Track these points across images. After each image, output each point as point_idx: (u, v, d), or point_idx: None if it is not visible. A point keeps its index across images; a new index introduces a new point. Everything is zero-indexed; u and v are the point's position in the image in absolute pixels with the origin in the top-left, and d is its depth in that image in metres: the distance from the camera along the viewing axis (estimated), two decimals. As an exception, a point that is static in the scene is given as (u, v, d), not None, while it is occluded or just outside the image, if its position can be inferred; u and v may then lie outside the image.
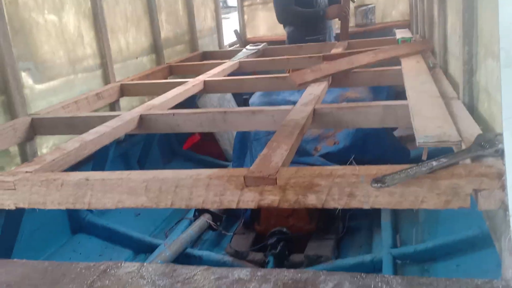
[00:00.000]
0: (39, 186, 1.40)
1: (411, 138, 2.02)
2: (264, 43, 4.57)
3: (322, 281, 1.11)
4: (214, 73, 3.26)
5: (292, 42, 4.55)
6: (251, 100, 3.56)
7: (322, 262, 2.65)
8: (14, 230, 2.39)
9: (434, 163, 1.17)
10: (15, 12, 2.48)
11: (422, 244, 2.45)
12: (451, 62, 2.41)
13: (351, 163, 1.30)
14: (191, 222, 3.11)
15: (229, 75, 3.46)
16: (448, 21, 2.46)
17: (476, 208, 1.17)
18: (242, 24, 5.96)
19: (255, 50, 4.27)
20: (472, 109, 1.78)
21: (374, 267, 2.45)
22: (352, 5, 4.70)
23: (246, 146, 3.40)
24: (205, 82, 3.03)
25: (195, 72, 3.61)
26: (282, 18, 4.53)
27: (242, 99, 3.49)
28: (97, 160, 3.00)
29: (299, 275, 1.15)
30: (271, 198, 1.28)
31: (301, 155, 3.09)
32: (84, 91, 2.96)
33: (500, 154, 1.20)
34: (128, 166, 3.50)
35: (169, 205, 1.34)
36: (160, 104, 2.45)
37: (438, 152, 1.32)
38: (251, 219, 3.05)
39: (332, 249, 2.76)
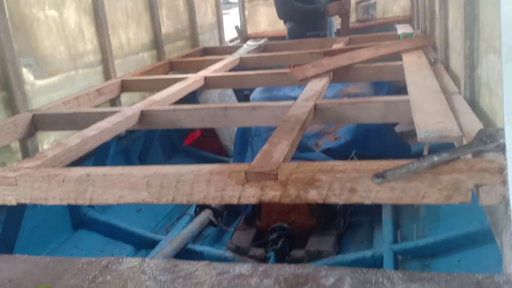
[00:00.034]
0: (40, 181, 1.40)
1: (412, 133, 2.02)
2: (265, 39, 4.56)
3: (323, 276, 1.11)
4: (215, 69, 3.26)
5: (292, 38, 4.54)
6: (252, 96, 3.56)
7: (323, 258, 2.65)
8: (15, 226, 2.40)
9: (436, 158, 1.17)
10: (16, 7, 2.47)
11: (423, 239, 2.45)
12: (452, 57, 2.41)
13: (352, 159, 1.30)
14: (192, 218, 3.11)
15: (230, 70, 3.45)
16: (450, 16, 2.45)
17: (477, 203, 1.17)
18: (243, 20, 5.94)
19: (256, 46, 4.26)
20: (473, 104, 1.78)
21: (375, 263, 2.45)
22: (353, 1, 4.69)
23: (247, 141, 3.39)
24: (206, 78, 3.03)
25: (195, 68, 3.60)
26: (283, 14, 4.52)
27: (243, 95, 3.48)
28: (98, 156, 3.01)
29: (300, 270, 1.15)
30: (272, 193, 1.28)
31: (302, 151, 3.09)
32: (85, 87, 2.96)
33: (502, 149, 1.20)
34: (129, 162, 3.50)
35: (170, 201, 1.35)
36: (161, 99, 2.45)
37: (439, 147, 1.32)
38: (252, 215, 3.05)
39: (333, 244, 2.76)
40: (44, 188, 1.40)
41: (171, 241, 2.76)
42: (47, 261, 1.30)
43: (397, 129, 3.72)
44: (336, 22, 4.92)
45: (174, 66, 3.89)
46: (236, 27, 5.78)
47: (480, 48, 1.73)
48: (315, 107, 2.06)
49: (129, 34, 3.58)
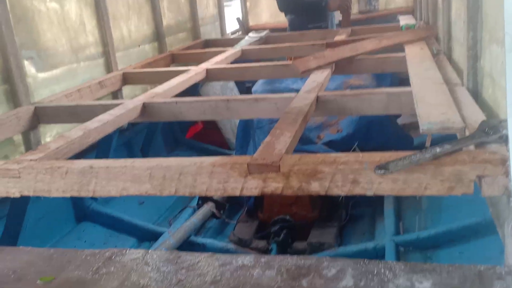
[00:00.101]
0: (43, 174, 1.41)
1: (415, 125, 2.01)
2: (267, 31, 4.55)
3: (325, 267, 1.12)
4: (217, 61, 3.25)
5: (293, 30, 4.52)
6: (254, 88, 3.55)
7: (325, 250, 2.66)
8: (19, 219, 2.41)
9: (438, 149, 1.17)
10: (17, 0, 2.47)
11: (425, 231, 2.46)
12: (455, 48, 2.39)
13: (354, 150, 1.30)
14: (194, 211, 3.12)
15: (231, 63, 3.44)
16: (453, 7, 2.44)
17: (479, 195, 1.17)
18: (245, 12, 5.91)
19: (258, 38, 4.25)
20: (476, 95, 1.78)
21: (377, 254, 2.46)
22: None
23: (249, 134, 3.39)
24: (207, 70, 3.02)
25: (197, 60, 3.59)
26: (283, 6, 4.50)
27: (244, 87, 3.48)
28: (100, 149, 3.01)
29: (303, 261, 1.15)
30: (274, 185, 1.28)
31: (304, 143, 3.09)
32: (87, 80, 2.95)
33: (504, 140, 1.19)
34: (131, 155, 3.51)
35: (173, 193, 1.35)
36: (163, 92, 2.45)
37: (442, 139, 1.31)
38: (254, 207, 3.06)
39: (335, 236, 2.77)
40: (47, 180, 1.41)
41: (173, 233, 2.77)
42: (51, 253, 1.31)
43: (400, 121, 3.71)
44: (337, 14, 4.90)
45: (175, 59, 3.88)
46: (238, 19, 5.76)
47: (483, 39, 1.72)
48: (317, 99, 2.05)
49: (130, 26, 3.57)
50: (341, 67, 2.79)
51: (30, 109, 2.35)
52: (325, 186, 1.24)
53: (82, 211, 2.91)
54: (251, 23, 5.91)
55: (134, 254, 1.26)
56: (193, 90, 3.26)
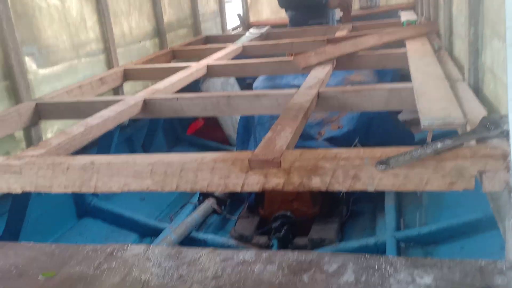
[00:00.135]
0: (45, 169, 1.41)
1: (416, 121, 2.01)
2: (268, 26, 4.54)
3: (326, 262, 1.12)
4: (218, 57, 3.25)
5: (294, 26, 4.51)
6: (254, 85, 3.55)
7: (326, 245, 2.66)
8: (20, 215, 2.42)
9: (439, 145, 1.17)
10: (18, -4, 2.47)
11: (426, 227, 2.46)
12: (456, 44, 2.39)
13: (355, 146, 1.30)
14: (195, 207, 3.13)
15: (232, 59, 3.44)
16: (454, 2, 2.43)
17: (480, 191, 1.17)
18: (245, 8, 5.91)
19: (259, 34, 4.24)
20: (477, 90, 1.77)
21: (378, 250, 2.47)
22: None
23: (250, 131, 3.39)
24: (208, 66, 3.02)
25: (198, 56, 3.59)
26: (284, 3, 4.50)
27: (245, 84, 3.48)
28: (101, 145, 3.01)
29: (304, 256, 1.16)
30: (275, 181, 1.28)
31: (305, 140, 3.09)
32: (88, 76, 2.95)
33: (505, 135, 1.19)
34: (132, 151, 3.51)
35: (174, 189, 1.35)
36: (164, 88, 2.44)
37: (443, 135, 1.31)
38: (255, 203, 3.06)
39: (336, 232, 2.77)
40: (48, 176, 1.41)
41: (175, 229, 2.77)
42: (53, 248, 1.31)
43: (400, 117, 3.70)
44: (338, 11, 4.90)
45: (176, 55, 3.88)
46: (239, 15, 5.75)
47: (484, 34, 1.72)
48: (318, 95, 2.05)
49: (131, 23, 3.57)
50: (342, 63, 2.79)
51: (31, 105, 2.35)
52: (326, 182, 1.24)
53: (84, 207, 2.92)
54: (252, 19, 5.90)
55: (135, 249, 1.26)
56: (194, 86, 3.25)
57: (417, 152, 1.16)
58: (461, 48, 2.14)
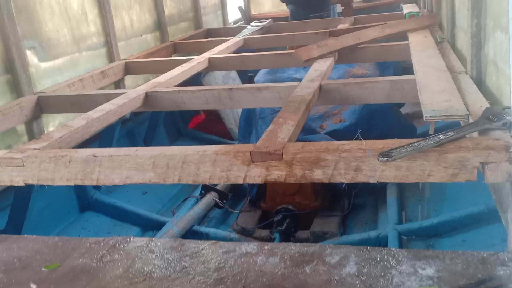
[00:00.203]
0: (47, 162, 1.41)
1: (418, 114, 2.00)
2: (269, 20, 4.52)
3: (328, 254, 1.12)
4: (219, 51, 3.24)
5: (295, 20, 4.50)
6: (256, 78, 3.54)
7: (328, 239, 2.67)
8: (23, 209, 2.42)
9: (441, 136, 1.17)
10: (18, -11, 2.46)
11: (428, 220, 2.46)
12: (459, 36, 2.38)
13: (357, 138, 1.30)
14: (197, 200, 3.13)
15: (234, 52, 3.43)
16: (456, -6, 2.42)
17: (482, 184, 1.17)
18: (247, 1, 5.88)
19: (260, 27, 4.23)
20: (479, 83, 1.77)
21: (380, 243, 2.47)
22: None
23: (252, 124, 3.39)
24: (209, 59, 3.01)
25: (199, 49, 3.58)
26: None
27: (247, 77, 3.47)
28: (103, 139, 3.02)
29: (306, 248, 1.16)
30: (277, 173, 1.28)
31: (307, 133, 3.09)
32: (89, 70, 2.95)
33: (508, 127, 1.19)
34: (134, 145, 3.51)
35: (176, 181, 1.35)
36: (165, 81, 2.44)
37: (445, 127, 1.31)
38: (257, 197, 3.06)
39: (338, 225, 2.77)
40: (51, 169, 1.41)
41: (177, 223, 2.78)
42: (56, 241, 1.32)
43: (403, 110, 3.69)
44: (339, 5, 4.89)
45: (177, 48, 3.87)
46: (240, 8, 5.73)
47: (487, 26, 1.71)
48: (320, 87, 2.05)
49: (132, 16, 3.56)
50: (344, 56, 2.78)
51: (33, 99, 2.35)
52: (328, 173, 1.24)
53: (86, 201, 2.93)
54: (253, 12, 5.89)
55: (138, 242, 1.27)
56: (195, 80, 3.25)
57: (420, 144, 1.16)
58: (463, 40, 2.13)
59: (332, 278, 1.03)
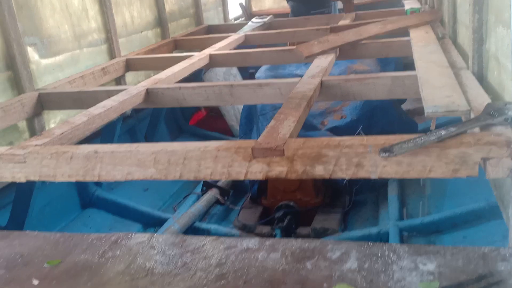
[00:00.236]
0: (49, 159, 1.41)
1: (419, 111, 2.00)
2: (270, 16, 4.51)
3: (329, 249, 1.13)
4: (220, 47, 3.23)
5: (295, 16, 4.50)
6: (257, 74, 3.53)
7: (329, 235, 2.67)
8: (25, 205, 2.43)
9: (443, 132, 1.17)
10: (19, -14, 2.46)
11: (429, 216, 2.46)
12: (460, 32, 2.37)
13: (359, 134, 1.30)
14: (199, 197, 3.13)
15: (234, 48, 3.43)
16: (458, -10, 2.41)
17: (483, 180, 1.17)
18: (248, -3, 5.87)
19: (261, 23, 4.22)
20: (481, 78, 1.77)
21: (381, 240, 2.47)
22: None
23: (253, 121, 3.39)
24: (210, 56, 3.01)
25: (200, 46, 3.58)
26: None
27: (248, 73, 3.46)
28: (104, 136, 3.02)
29: (307, 244, 1.16)
30: (278, 169, 1.28)
31: (308, 130, 3.09)
32: (90, 66, 2.95)
33: (509, 122, 1.19)
34: (135, 142, 3.51)
35: (177, 177, 1.35)
36: (166, 78, 2.44)
37: (447, 123, 1.31)
38: (258, 193, 3.06)
39: (339, 222, 2.78)
40: (52, 165, 1.41)
41: (178, 219, 2.78)
42: (58, 237, 1.32)
43: (404, 107, 3.69)
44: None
45: (178, 45, 3.87)
46: (241, 4, 5.72)
47: (489, 21, 1.70)
48: (322, 83, 2.05)
49: (132, 12, 3.55)
50: (346, 52, 2.78)
51: (34, 96, 2.35)
52: (329, 169, 1.24)
53: (87, 198, 2.93)
54: (254, 8, 5.87)
55: (140, 238, 1.27)
56: (196, 76, 3.25)
57: (421, 139, 1.16)
58: (465, 35, 2.13)
59: (333, 274, 1.03)
